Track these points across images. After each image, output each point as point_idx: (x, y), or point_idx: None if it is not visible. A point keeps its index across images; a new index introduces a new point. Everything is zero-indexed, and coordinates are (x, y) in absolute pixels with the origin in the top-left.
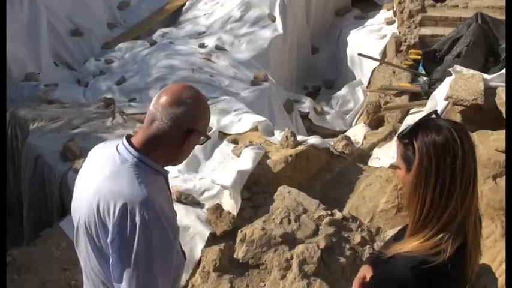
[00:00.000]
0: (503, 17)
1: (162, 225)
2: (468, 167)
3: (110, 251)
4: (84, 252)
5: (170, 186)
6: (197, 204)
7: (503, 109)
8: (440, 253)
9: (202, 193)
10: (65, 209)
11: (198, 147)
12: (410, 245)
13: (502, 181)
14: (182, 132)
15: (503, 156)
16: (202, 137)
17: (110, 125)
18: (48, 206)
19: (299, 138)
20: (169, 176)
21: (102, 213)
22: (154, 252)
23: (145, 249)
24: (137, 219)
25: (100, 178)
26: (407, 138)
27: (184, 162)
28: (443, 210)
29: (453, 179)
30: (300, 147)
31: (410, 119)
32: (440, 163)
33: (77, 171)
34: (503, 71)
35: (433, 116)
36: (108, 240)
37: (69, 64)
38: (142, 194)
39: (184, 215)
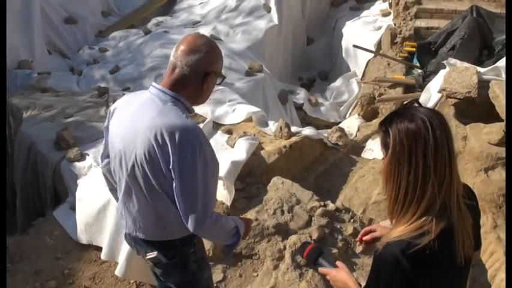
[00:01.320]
0: (498, 10)
1: (211, 147)
2: (441, 152)
3: (173, 175)
4: (140, 180)
5: None
6: None
7: (496, 102)
8: (425, 234)
9: None
10: (58, 198)
11: None
12: (397, 230)
13: (494, 174)
14: (201, 75)
15: (495, 149)
16: (219, 77)
17: (104, 114)
18: (42, 195)
19: (293, 129)
20: None
21: (162, 144)
22: (209, 171)
23: (203, 167)
24: (194, 143)
25: (150, 117)
26: (384, 126)
27: None
28: (422, 194)
29: (426, 164)
30: (294, 139)
31: None
32: (412, 149)
33: (70, 160)
34: (497, 64)
35: (414, 104)
36: (171, 166)
37: (62, 52)
38: (192, 124)
39: None
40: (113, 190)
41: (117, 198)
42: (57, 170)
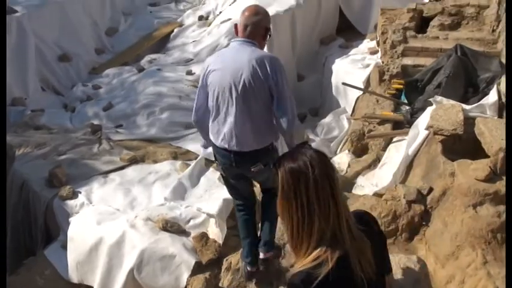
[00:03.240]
0: (481, 49)
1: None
2: (322, 189)
3: (275, 88)
4: (238, 102)
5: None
6: (183, 232)
7: (482, 139)
8: (322, 265)
9: (188, 221)
10: (49, 237)
11: (185, 174)
12: (298, 263)
13: (482, 210)
14: (263, 29)
15: (482, 185)
16: (269, 33)
17: (97, 152)
18: (33, 233)
19: None
20: (154, 204)
21: (261, 66)
22: (287, 83)
23: (286, 80)
24: (280, 65)
25: (247, 54)
26: (275, 167)
27: (171, 189)
28: (311, 228)
29: (309, 200)
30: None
31: (393, 147)
32: (296, 188)
33: (63, 198)
34: (482, 101)
35: (304, 145)
36: (273, 83)
37: (56, 89)
38: (276, 56)
39: (170, 244)
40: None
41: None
42: (49, 208)
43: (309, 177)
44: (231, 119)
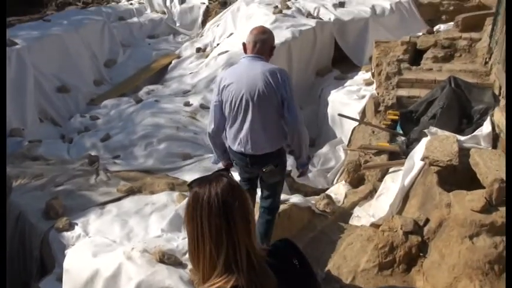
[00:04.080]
0: (474, 81)
1: None
2: (214, 218)
3: (285, 96)
4: (253, 111)
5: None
6: (180, 264)
7: (477, 170)
8: None
9: (185, 253)
10: (44, 269)
11: (182, 205)
12: (198, 282)
13: (479, 241)
14: (270, 46)
15: (479, 216)
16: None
17: (94, 183)
18: (28, 266)
19: (281, 196)
20: (151, 235)
21: (273, 76)
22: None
23: (292, 88)
24: (288, 76)
25: (260, 67)
26: (189, 185)
27: (168, 220)
28: (203, 252)
29: (202, 226)
30: (282, 206)
31: (390, 178)
32: (194, 211)
33: (59, 230)
34: (476, 132)
35: (224, 174)
36: (284, 91)
37: (54, 120)
38: (283, 68)
39: (166, 276)
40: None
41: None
42: (45, 240)
43: (203, 205)
44: (246, 126)
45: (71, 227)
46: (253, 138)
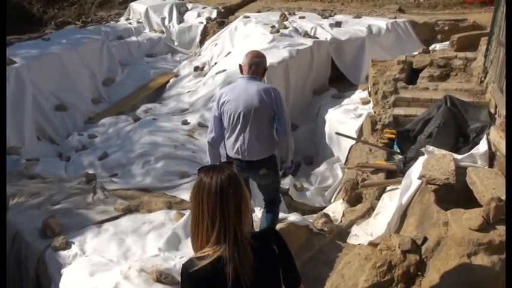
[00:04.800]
0: (470, 99)
1: None
2: (212, 200)
3: (277, 111)
4: (249, 123)
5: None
6: (177, 284)
7: (473, 188)
8: (204, 258)
9: None
10: None
11: (179, 224)
12: (194, 252)
13: (477, 260)
14: (263, 68)
15: (476, 235)
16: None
17: (91, 201)
18: (24, 286)
19: (279, 215)
20: (148, 254)
21: (267, 97)
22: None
23: (283, 105)
24: (280, 94)
25: (256, 86)
26: (198, 170)
27: (165, 239)
28: (202, 228)
29: (203, 208)
30: (280, 225)
31: (387, 196)
32: (197, 194)
33: (55, 248)
34: (472, 151)
35: (227, 166)
36: (276, 107)
37: (51, 138)
38: (275, 87)
39: None
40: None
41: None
42: (42, 259)
43: (204, 188)
44: (243, 136)
45: (67, 246)
46: (249, 146)
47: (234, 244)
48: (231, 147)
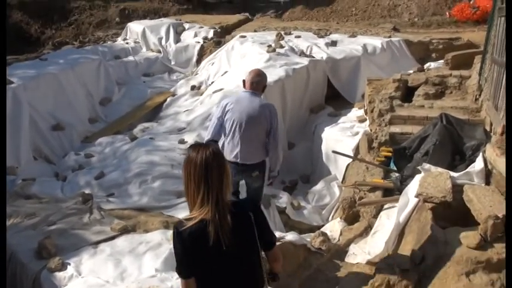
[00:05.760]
0: (465, 117)
1: None
2: (198, 171)
3: (273, 125)
4: (249, 132)
5: (147, 286)
6: None
7: (470, 206)
8: (191, 220)
9: None
10: None
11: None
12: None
13: (475, 278)
14: (263, 85)
15: (474, 253)
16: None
17: (88, 221)
18: None
19: (277, 234)
20: (145, 275)
21: (266, 112)
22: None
23: (277, 121)
24: (276, 111)
25: (258, 102)
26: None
27: (162, 259)
28: (191, 194)
29: (190, 177)
30: (278, 244)
31: (385, 215)
32: (187, 166)
33: (51, 270)
34: (469, 169)
35: (212, 144)
36: (271, 122)
37: (48, 158)
38: (273, 104)
39: None
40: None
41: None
42: (37, 281)
43: (192, 161)
44: (242, 142)
45: (63, 267)
46: (246, 151)
47: (215, 207)
48: (230, 150)
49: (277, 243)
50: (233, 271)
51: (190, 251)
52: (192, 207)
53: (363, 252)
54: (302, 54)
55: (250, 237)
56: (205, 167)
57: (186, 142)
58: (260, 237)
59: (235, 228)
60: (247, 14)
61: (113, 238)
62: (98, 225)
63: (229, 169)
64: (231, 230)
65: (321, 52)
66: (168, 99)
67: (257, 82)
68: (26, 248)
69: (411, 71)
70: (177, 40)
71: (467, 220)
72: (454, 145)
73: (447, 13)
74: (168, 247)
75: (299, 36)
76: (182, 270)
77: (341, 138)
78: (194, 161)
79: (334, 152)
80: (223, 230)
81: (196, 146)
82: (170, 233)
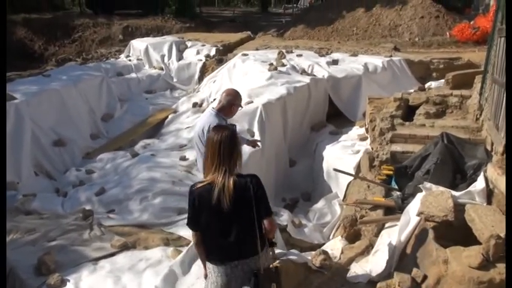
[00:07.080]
0: (466, 136)
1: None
2: (215, 148)
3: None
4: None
5: None
6: None
7: (472, 226)
8: (202, 182)
9: None
10: None
11: (176, 261)
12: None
13: None
14: (230, 104)
15: (476, 273)
16: (240, 107)
17: (88, 238)
18: None
19: (277, 252)
20: None
21: None
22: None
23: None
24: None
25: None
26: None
27: (161, 277)
28: (207, 165)
29: (209, 153)
30: (278, 261)
31: (386, 233)
32: (209, 142)
33: (50, 286)
34: (470, 188)
35: (231, 126)
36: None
37: (49, 174)
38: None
39: None
40: None
41: None
42: None
43: (212, 140)
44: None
45: (62, 283)
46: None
47: (223, 175)
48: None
49: (277, 261)
50: (229, 230)
51: (197, 208)
52: (207, 174)
53: (364, 271)
54: (303, 72)
55: (247, 203)
56: (219, 145)
57: (188, 159)
58: (257, 206)
59: (235, 195)
60: (249, 32)
61: (112, 255)
62: (98, 241)
63: (241, 149)
64: (231, 195)
65: (322, 71)
66: (170, 116)
67: (225, 101)
68: (25, 264)
69: (412, 90)
70: (180, 58)
71: (469, 239)
72: (455, 164)
73: (447, 33)
74: (167, 264)
75: (300, 55)
76: (190, 223)
77: (342, 156)
78: (212, 139)
79: (335, 170)
80: (224, 194)
81: (217, 128)
82: (170, 249)
